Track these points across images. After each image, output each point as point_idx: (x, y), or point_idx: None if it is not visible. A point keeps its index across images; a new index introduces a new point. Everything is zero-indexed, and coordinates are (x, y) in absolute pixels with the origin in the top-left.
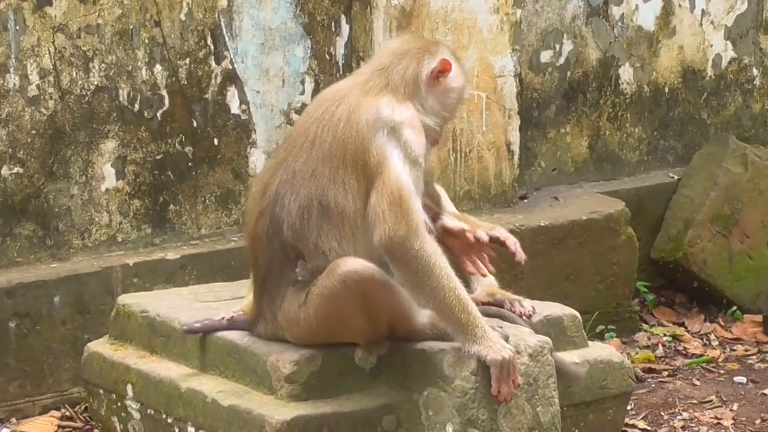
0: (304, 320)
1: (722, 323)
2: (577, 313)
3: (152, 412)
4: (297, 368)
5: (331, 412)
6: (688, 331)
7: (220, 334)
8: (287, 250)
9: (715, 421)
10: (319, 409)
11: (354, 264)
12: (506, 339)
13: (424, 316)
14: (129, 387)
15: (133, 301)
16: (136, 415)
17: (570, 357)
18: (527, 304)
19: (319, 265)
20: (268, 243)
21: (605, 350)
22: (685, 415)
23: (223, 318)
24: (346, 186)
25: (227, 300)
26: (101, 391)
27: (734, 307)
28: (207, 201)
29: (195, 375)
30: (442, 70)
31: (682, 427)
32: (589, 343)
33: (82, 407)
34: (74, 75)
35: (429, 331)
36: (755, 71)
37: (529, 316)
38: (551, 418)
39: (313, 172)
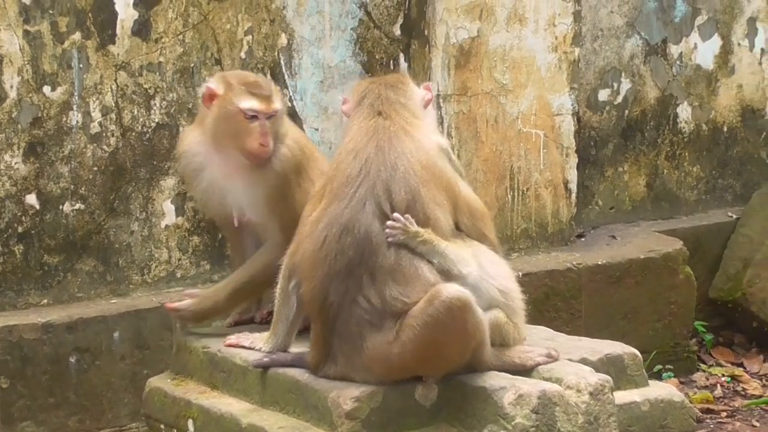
0: (398, 355)
1: None
2: (637, 352)
3: None
4: (358, 404)
5: None
6: (746, 372)
7: (281, 370)
8: (367, 283)
9: None
10: None
11: (456, 290)
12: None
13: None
14: (190, 422)
15: (194, 336)
16: None
17: (630, 396)
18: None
19: (411, 287)
20: (345, 278)
21: (666, 389)
22: None
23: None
24: (440, 204)
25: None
26: (162, 426)
27: None
28: None
29: (256, 410)
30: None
31: None
32: (650, 382)
33: None
34: (135, 112)
35: (495, 362)
36: None
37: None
38: None
39: (412, 195)
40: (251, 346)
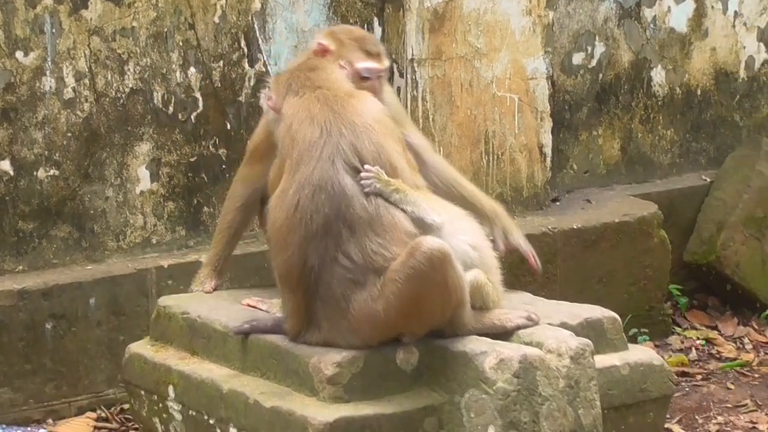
0: (383, 311)
1: (756, 326)
2: (616, 316)
3: (194, 413)
4: (339, 370)
5: (372, 413)
6: (721, 335)
7: (262, 336)
8: (346, 238)
9: (751, 426)
10: (361, 411)
11: (436, 242)
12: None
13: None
14: (171, 388)
15: (173, 302)
16: (178, 417)
17: (610, 360)
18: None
19: (390, 238)
20: (323, 236)
21: (645, 353)
22: (720, 419)
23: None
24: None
25: (265, 304)
26: (142, 392)
27: None
28: None
29: (236, 376)
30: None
31: (717, 431)
32: (629, 345)
33: (118, 408)
34: (109, 78)
35: (475, 324)
36: None
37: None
38: (593, 421)
39: (376, 149)
40: (267, 309)
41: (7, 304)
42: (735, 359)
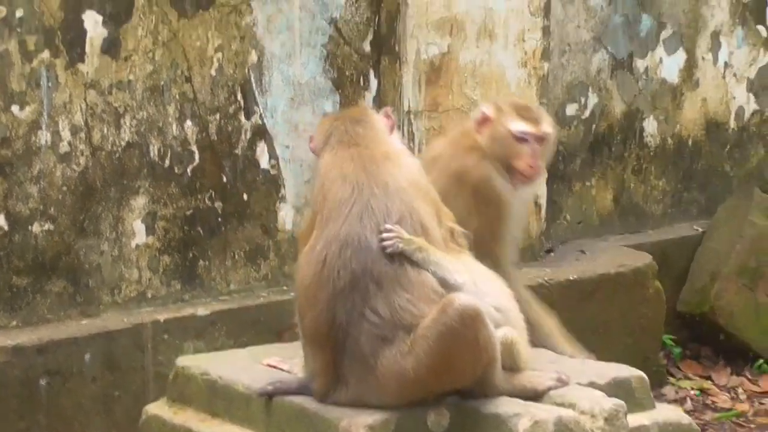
0: (413, 369)
1: (749, 376)
2: (643, 375)
3: None
4: None
5: None
6: (715, 385)
7: (287, 398)
8: (374, 293)
9: None
10: None
11: (468, 299)
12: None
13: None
14: None
15: (192, 362)
16: None
17: (639, 420)
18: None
19: (417, 294)
20: (350, 292)
21: (673, 412)
22: None
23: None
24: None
25: (287, 360)
26: None
27: (761, 360)
28: (236, 256)
29: None
30: None
31: None
32: (656, 404)
33: None
34: (105, 131)
35: (506, 385)
36: None
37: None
38: None
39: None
40: (289, 369)
41: (1, 360)
42: (730, 409)
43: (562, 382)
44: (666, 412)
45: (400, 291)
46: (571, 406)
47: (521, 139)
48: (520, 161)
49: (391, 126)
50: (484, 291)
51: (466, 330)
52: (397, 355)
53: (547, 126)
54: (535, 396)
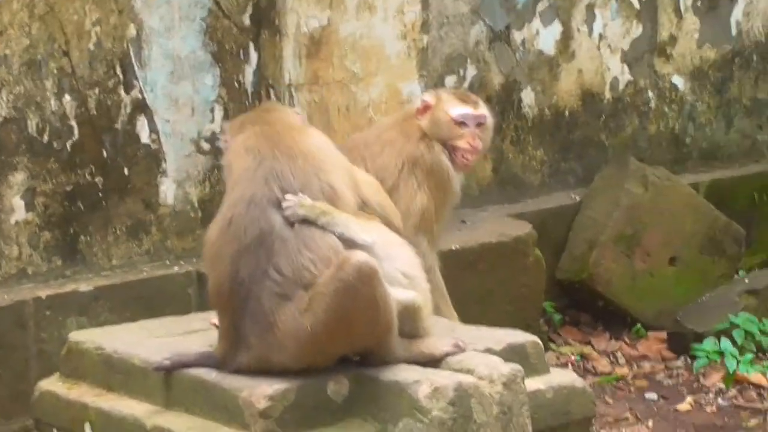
0: (311, 325)
1: (627, 341)
2: (538, 340)
3: None
4: (271, 403)
5: None
6: (595, 350)
7: (185, 370)
8: (279, 250)
9: None
10: None
11: (365, 256)
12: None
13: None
14: (87, 426)
15: (85, 337)
16: None
17: (535, 384)
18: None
19: (320, 255)
20: (256, 248)
21: (567, 376)
22: None
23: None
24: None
25: (181, 334)
26: (55, 430)
27: (638, 325)
28: (118, 231)
29: (160, 412)
30: None
31: None
32: (551, 369)
33: None
34: None
35: (403, 352)
36: (650, 94)
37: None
38: None
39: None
40: None
41: None
42: (610, 373)
43: (459, 348)
44: (560, 376)
45: (304, 250)
46: (470, 371)
47: (461, 122)
48: (461, 141)
49: (301, 119)
50: (393, 255)
51: (362, 287)
52: (296, 312)
53: (485, 109)
54: (432, 361)
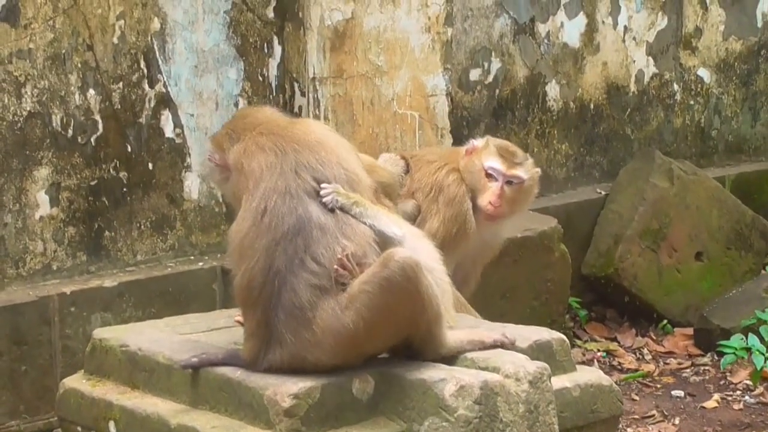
0: (353, 322)
1: (654, 337)
2: (564, 337)
3: None
4: (296, 402)
5: None
6: (621, 346)
7: (210, 368)
8: (317, 238)
9: None
10: None
11: (408, 252)
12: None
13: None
14: (111, 424)
15: (110, 335)
16: None
17: (561, 382)
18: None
19: (357, 243)
20: (294, 236)
21: (593, 374)
22: (630, 430)
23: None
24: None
25: (205, 331)
26: (79, 428)
27: (665, 321)
28: (142, 227)
29: (185, 411)
30: None
31: None
32: (577, 366)
33: None
34: (6, 101)
35: (453, 342)
36: (676, 86)
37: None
38: None
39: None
40: None
41: None
42: (636, 370)
43: (509, 339)
44: (587, 374)
45: (342, 239)
46: (496, 369)
47: (489, 175)
48: (484, 195)
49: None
50: (418, 248)
51: (407, 283)
52: (336, 308)
53: (522, 171)
54: (482, 348)
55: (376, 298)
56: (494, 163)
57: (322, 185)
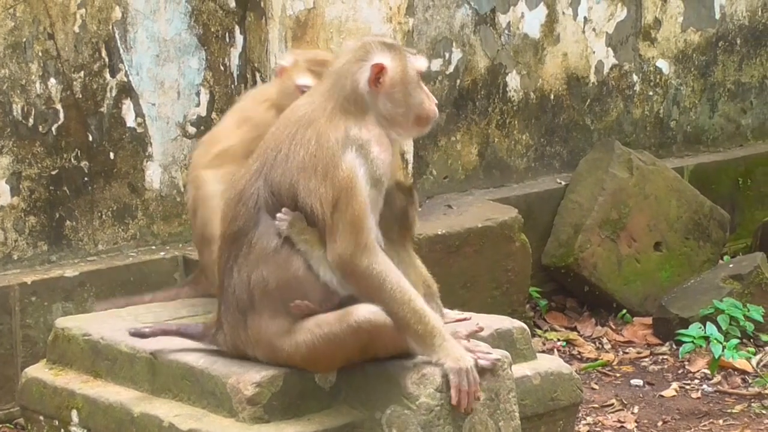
0: (287, 352)
1: (613, 326)
2: (525, 326)
3: None
4: (259, 390)
5: None
6: (580, 336)
7: (172, 356)
8: (245, 254)
9: (619, 425)
10: (282, 431)
11: (367, 313)
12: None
13: None
14: (74, 413)
15: (72, 324)
16: None
17: (522, 370)
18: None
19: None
20: (231, 243)
21: (554, 362)
22: (589, 419)
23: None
24: (319, 196)
25: (168, 321)
26: (42, 417)
27: (624, 311)
28: (104, 216)
29: (147, 399)
30: (377, 75)
31: None
32: (537, 355)
33: None
34: None
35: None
36: (635, 77)
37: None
38: None
39: (290, 182)
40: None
41: None
42: (596, 359)
43: (478, 327)
44: (547, 362)
45: (262, 266)
46: None
47: (304, 92)
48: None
49: (371, 81)
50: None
51: (356, 340)
52: (276, 330)
53: None
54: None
55: (320, 345)
56: (306, 80)
57: (284, 210)
